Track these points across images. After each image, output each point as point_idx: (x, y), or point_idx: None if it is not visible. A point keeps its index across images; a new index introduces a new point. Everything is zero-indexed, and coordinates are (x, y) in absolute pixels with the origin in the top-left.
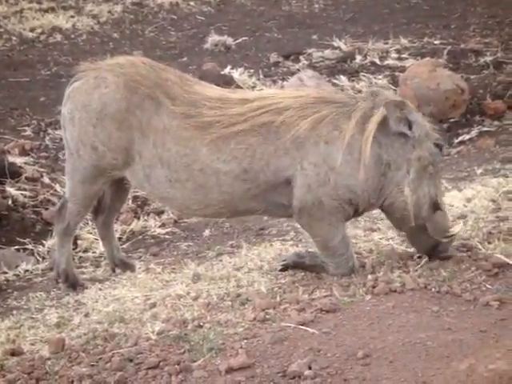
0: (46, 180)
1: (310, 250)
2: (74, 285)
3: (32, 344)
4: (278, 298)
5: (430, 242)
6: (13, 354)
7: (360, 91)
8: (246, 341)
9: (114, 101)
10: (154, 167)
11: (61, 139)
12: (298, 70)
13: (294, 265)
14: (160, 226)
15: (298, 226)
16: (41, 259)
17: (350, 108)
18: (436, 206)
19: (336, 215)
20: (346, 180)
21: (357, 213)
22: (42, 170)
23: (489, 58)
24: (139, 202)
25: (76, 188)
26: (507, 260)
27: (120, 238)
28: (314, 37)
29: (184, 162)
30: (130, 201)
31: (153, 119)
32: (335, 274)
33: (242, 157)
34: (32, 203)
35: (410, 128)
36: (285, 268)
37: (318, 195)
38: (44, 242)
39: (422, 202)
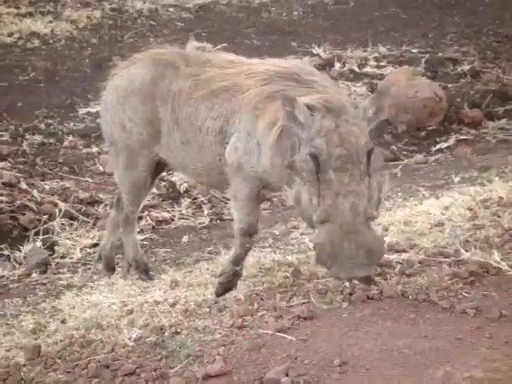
0: (23, 185)
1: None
2: (145, 271)
3: (7, 350)
4: (256, 305)
5: None
6: None
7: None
8: (223, 348)
9: (140, 76)
10: (171, 132)
11: (38, 145)
12: None
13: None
14: (138, 232)
15: (277, 233)
16: (17, 265)
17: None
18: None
19: (250, 181)
20: (262, 155)
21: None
22: (20, 175)
23: (466, 67)
24: None
25: (122, 176)
26: (483, 268)
27: (97, 244)
28: (294, 44)
29: (190, 122)
30: (108, 207)
31: (171, 84)
32: (237, 229)
33: (219, 115)
34: (9, 209)
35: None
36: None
37: (241, 161)
38: (20, 247)
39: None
